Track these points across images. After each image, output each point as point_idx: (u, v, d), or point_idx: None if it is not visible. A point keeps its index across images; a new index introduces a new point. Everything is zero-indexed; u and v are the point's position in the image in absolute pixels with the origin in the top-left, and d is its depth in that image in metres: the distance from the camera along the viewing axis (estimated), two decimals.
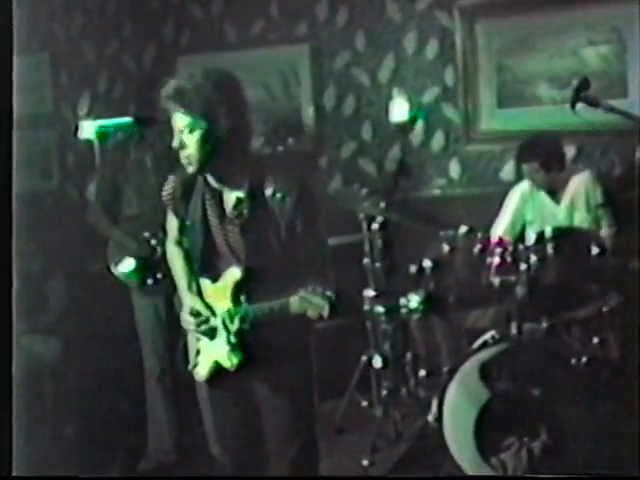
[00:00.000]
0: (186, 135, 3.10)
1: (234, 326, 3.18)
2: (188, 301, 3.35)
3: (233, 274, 3.19)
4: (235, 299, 3.19)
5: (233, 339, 3.20)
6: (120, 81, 6.93)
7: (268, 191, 3.13)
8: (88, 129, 5.29)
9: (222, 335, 3.24)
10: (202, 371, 3.38)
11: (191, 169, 3.16)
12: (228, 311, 3.21)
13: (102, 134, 5.14)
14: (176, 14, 6.80)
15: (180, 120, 3.10)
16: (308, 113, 6.50)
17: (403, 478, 4.86)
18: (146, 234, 4.88)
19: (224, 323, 3.23)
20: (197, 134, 3.08)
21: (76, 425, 5.47)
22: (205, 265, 3.33)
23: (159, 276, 4.83)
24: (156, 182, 4.96)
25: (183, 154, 3.14)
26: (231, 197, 3.21)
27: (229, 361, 3.25)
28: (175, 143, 3.14)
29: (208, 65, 3.28)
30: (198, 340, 3.36)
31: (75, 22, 7.03)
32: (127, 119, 4.91)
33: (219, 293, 3.25)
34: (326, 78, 6.47)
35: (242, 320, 3.16)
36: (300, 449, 3.31)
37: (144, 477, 4.96)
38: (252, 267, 3.17)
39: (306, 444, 3.34)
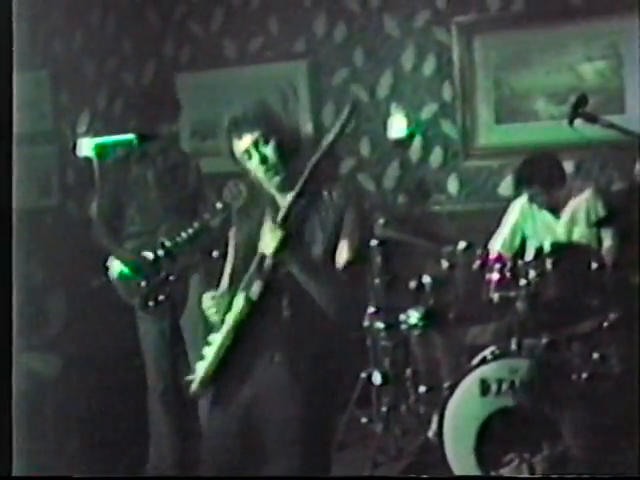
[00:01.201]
0: (261, 148, 3.11)
1: None
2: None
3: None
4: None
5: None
6: (120, 98, 6.94)
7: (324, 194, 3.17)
8: (87, 146, 5.30)
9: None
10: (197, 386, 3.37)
11: (278, 179, 3.16)
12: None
13: (101, 151, 5.15)
14: (175, 31, 6.82)
15: (246, 139, 3.11)
16: (306, 129, 6.51)
17: (402, 478, 4.86)
18: (148, 253, 4.87)
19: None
20: (272, 142, 3.11)
21: (76, 442, 5.45)
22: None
23: (162, 298, 4.83)
24: (158, 198, 4.99)
25: (267, 168, 3.13)
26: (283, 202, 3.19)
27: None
28: (254, 163, 3.13)
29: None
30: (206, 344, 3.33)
31: (75, 39, 7.05)
32: (127, 136, 4.93)
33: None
34: (324, 94, 6.49)
35: None
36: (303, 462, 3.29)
37: (143, 477, 4.95)
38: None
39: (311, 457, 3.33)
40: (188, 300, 4.97)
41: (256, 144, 3.11)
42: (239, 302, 3.15)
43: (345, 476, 4.67)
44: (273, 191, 3.22)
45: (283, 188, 3.17)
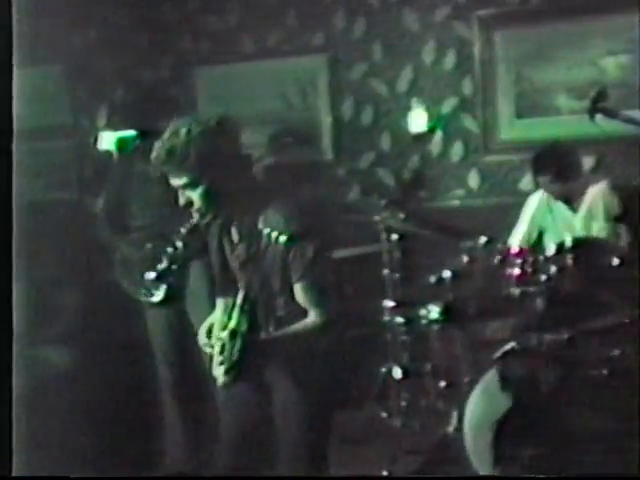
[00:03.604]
0: (189, 192, 3.08)
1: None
2: (214, 315, 3.37)
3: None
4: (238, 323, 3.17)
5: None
6: (137, 92, 6.94)
7: (265, 230, 3.07)
8: (108, 140, 5.31)
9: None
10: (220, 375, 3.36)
11: (205, 220, 3.17)
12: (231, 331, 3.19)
13: (122, 145, 5.16)
14: (193, 25, 6.82)
15: (178, 180, 3.07)
16: (326, 123, 6.50)
17: (401, 478, 4.84)
18: (151, 245, 4.89)
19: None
20: (200, 189, 3.06)
21: (89, 435, 5.46)
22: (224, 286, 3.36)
23: (163, 287, 4.85)
24: (161, 194, 4.99)
25: (193, 210, 3.12)
26: (234, 233, 3.23)
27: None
28: (181, 201, 3.12)
29: (190, 116, 3.26)
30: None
31: (92, 34, 7.05)
32: (132, 132, 4.94)
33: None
34: (344, 88, 6.47)
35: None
36: (310, 459, 3.28)
37: (144, 477, 4.94)
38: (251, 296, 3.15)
39: (316, 455, 3.32)
40: (189, 284, 4.93)
41: (184, 187, 3.09)
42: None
43: (345, 476, 4.67)
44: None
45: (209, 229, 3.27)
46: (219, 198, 3.09)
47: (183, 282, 4.86)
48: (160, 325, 5.02)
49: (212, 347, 3.24)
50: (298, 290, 3.07)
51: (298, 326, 3.10)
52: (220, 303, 3.39)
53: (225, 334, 3.12)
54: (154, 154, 3.06)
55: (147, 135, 4.68)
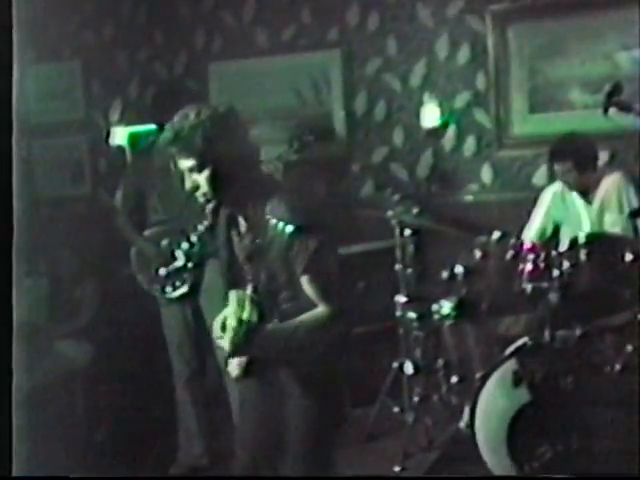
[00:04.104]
0: (195, 175, 3.08)
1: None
2: (228, 309, 3.38)
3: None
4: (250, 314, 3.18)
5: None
6: (152, 88, 6.95)
7: (272, 221, 3.08)
8: (120, 135, 5.32)
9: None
10: (234, 369, 3.37)
11: (211, 206, 3.17)
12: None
13: (134, 140, 5.17)
14: (207, 21, 6.82)
15: (185, 163, 3.07)
16: (339, 118, 6.50)
17: (399, 478, 4.85)
18: (167, 241, 4.90)
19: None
20: (206, 172, 3.06)
21: (107, 429, 5.49)
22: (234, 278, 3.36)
23: (178, 284, 4.86)
24: (180, 188, 5.00)
25: (199, 194, 3.13)
26: (241, 223, 3.23)
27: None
28: (187, 185, 3.12)
29: (202, 102, 3.28)
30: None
31: (107, 30, 7.08)
32: (152, 126, 4.95)
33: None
34: (357, 83, 6.47)
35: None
36: (319, 456, 3.28)
37: (146, 477, 4.96)
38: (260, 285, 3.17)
39: (325, 451, 3.32)
40: (204, 281, 4.93)
41: (190, 170, 3.09)
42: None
43: (345, 476, 4.68)
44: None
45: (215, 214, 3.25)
46: (225, 183, 3.09)
47: (198, 278, 4.88)
48: (175, 320, 5.04)
49: (224, 339, 3.25)
50: (304, 282, 3.08)
51: (305, 317, 3.10)
52: (232, 295, 3.39)
53: (235, 323, 3.13)
54: (162, 136, 3.09)
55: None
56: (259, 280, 3.17)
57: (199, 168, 3.06)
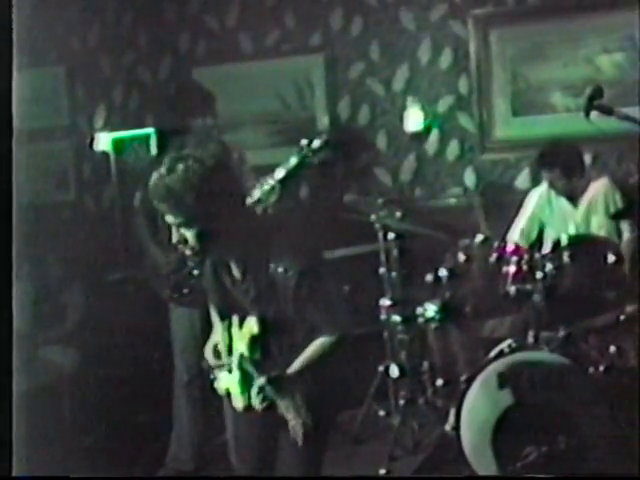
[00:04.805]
0: (183, 230, 3.06)
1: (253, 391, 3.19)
2: (216, 335, 3.39)
3: (251, 326, 3.20)
4: (250, 349, 3.21)
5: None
6: (136, 93, 6.95)
7: (271, 266, 3.06)
8: (104, 141, 5.31)
9: (236, 374, 3.27)
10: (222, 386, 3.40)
11: (198, 259, 3.18)
12: (241, 355, 3.23)
13: (118, 146, 5.16)
14: (191, 25, 6.82)
15: (173, 219, 3.03)
16: (323, 123, 6.51)
17: (400, 478, 4.86)
18: (177, 244, 4.90)
19: (240, 365, 3.25)
20: (194, 229, 3.03)
21: (94, 434, 5.48)
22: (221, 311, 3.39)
23: (186, 291, 4.86)
24: None
25: (186, 248, 3.11)
26: (234, 270, 3.23)
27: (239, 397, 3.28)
28: (174, 239, 3.13)
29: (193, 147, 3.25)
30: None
31: (91, 34, 7.06)
32: (144, 130, 4.93)
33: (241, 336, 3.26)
34: (341, 88, 6.48)
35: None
36: (308, 459, 3.30)
37: (143, 477, 4.96)
38: (267, 321, 3.17)
39: (314, 454, 3.33)
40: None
41: (178, 226, 3.07)
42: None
43: (345, 476, 4.69)
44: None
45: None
46: (213, 238, 3.07)
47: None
48: (181, 325, 5.03)
49: (223, 368, 3.30)
50: (310, 314, 3.10)
51: (314, 349, 3.12)
52: (218, 325, 3.41)
53: (249, 366, 3.20)
54: (152, 188, 3.01)
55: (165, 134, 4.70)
56: (266, 317, 3.17)
57: (187, 225, 3.03)
